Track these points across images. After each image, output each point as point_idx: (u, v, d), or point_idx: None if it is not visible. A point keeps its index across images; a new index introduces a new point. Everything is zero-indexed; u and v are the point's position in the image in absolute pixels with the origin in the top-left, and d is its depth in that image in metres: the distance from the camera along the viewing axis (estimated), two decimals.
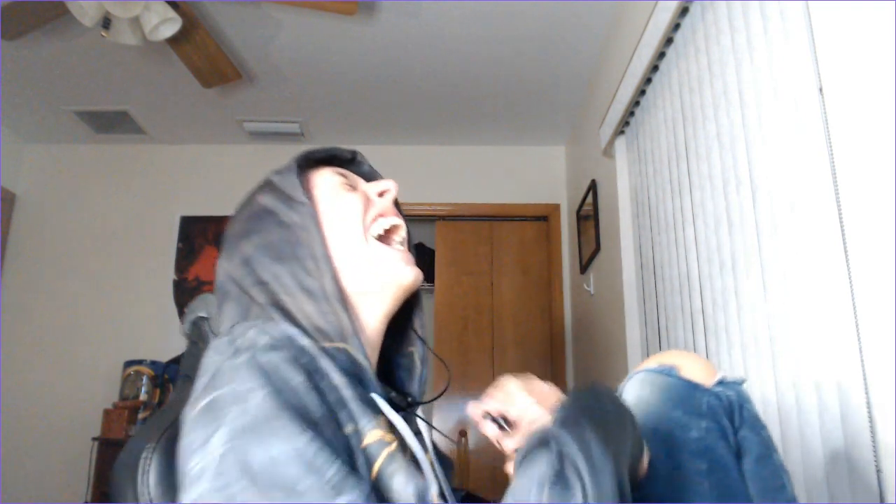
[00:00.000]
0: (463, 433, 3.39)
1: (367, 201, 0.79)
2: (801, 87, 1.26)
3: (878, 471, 1.00)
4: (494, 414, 0.72)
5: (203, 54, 2.57)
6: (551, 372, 3.47)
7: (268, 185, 0.79)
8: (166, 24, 2.20)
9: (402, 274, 0.77)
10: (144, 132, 3.63)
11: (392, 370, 0.84)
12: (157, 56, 2.88)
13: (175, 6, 2.24)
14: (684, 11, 1.85)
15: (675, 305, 1.96)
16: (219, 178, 3.74)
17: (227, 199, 3.66)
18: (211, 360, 0.62)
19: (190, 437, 0.55)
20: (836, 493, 1.10)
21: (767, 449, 0.67)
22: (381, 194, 0.81)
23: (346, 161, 0.87)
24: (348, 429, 0.60)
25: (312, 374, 0.61)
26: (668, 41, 1.98)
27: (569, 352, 3.47)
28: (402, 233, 0.81)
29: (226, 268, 0.76)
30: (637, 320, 2.39)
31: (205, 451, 0.52)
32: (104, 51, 2.84)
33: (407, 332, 0.86)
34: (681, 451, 0.63)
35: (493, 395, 0.75)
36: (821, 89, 1.19)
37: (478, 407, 0.75)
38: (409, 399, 0.79)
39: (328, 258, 0.71)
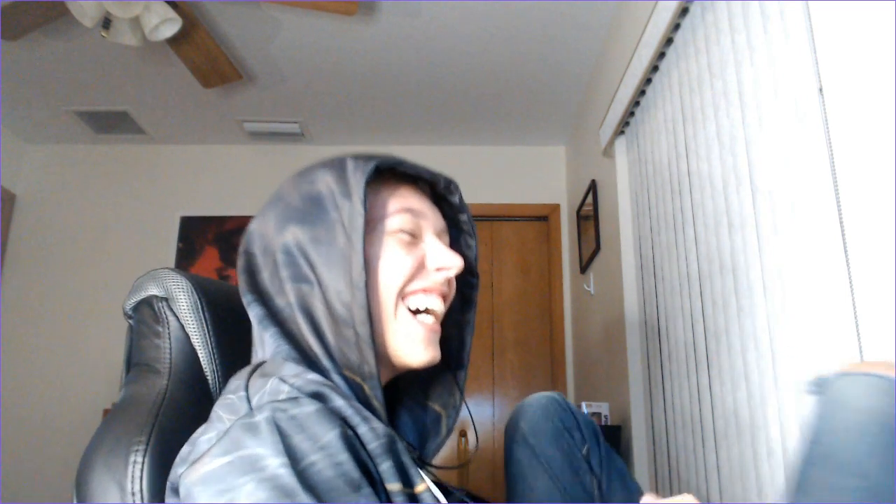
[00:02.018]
0: (462, 433, 3.39)
1: (419, 269, 0.71)
2: (801, 87, 1.26)
3: None
4: None
5: (203, 54, 2.57)
6: (551, 372, 3.47)
7: (339, 166, 0.69)
8: (166, 24, 2.21)
9: (414, 355, 0.70)
10: (144, 132, 3.63)
11: (392, 413, 0.78)
12: (157, 56, 2.88)
13: (175, 6, 2.24)
14: (684, 11, 1.85)
15: (675, 305, 1.96)
16: (219, 178, 3.75)
17: (227, 200, 3.67)
18: (220, 416, 0.57)
19: None
20: None
21: None
22: (439, 269, 0.72)
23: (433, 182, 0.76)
24: (393, 486, 0.55)
25: (348, 421, 0.56)
26: (668, 41, 1.98)
27: (569, 352, 3.47)
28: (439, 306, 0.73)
29: (268, 237, 0.69)
30: (637, 320, 2.38)
31: None
32: (104, 51, 2.85)
33: (434, 383, 0.79)
34: None
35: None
36: (821, 89, 1.19)
37: None
38: (417, 453, 0.74)
39: (363, 289, 0.63)
